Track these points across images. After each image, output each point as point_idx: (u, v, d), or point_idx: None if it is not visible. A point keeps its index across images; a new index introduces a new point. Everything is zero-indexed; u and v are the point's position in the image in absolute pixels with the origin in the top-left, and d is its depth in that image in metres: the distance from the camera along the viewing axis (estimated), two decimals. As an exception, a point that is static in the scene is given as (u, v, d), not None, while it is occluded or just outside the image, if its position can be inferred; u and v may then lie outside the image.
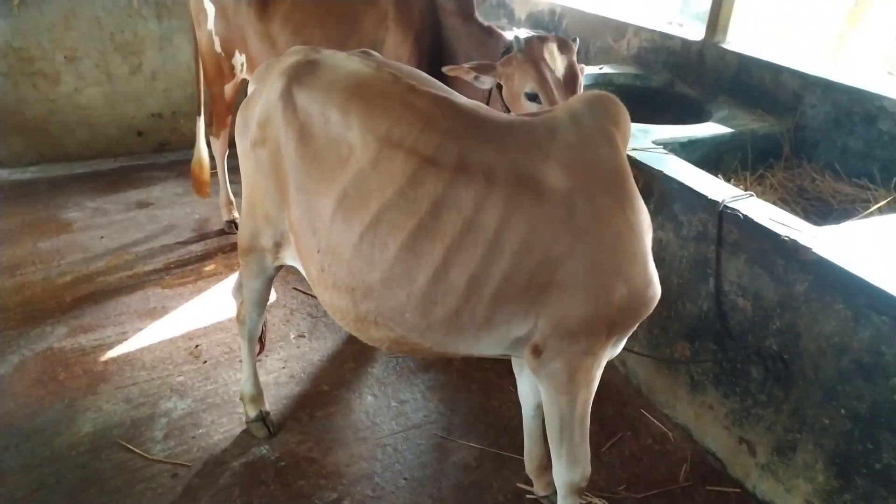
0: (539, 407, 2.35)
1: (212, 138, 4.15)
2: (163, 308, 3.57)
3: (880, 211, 2.79)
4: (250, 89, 2.24)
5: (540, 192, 1.71)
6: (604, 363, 1.89)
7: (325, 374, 3.15)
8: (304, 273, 2.12)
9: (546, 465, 2.47)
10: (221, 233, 4.33)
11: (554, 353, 1.83)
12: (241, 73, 3.80)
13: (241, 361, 3.16)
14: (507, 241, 1.70)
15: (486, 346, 1.91)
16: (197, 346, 3.29)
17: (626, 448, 2.78)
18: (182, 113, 5.34)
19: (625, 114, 1.83)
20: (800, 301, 2.25)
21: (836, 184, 3.15)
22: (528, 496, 2.52)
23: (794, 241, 2.25)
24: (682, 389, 2.83)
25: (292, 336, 3.39)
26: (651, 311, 1.84)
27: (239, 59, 3.76)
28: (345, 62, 2.00)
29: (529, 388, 2.34)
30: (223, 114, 4.05)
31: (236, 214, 4.35)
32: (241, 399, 2.78)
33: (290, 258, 2.20)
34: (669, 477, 2.64)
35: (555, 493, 2.46)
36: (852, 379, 2.11)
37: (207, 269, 3.94)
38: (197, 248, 4.17)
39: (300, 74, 1.96)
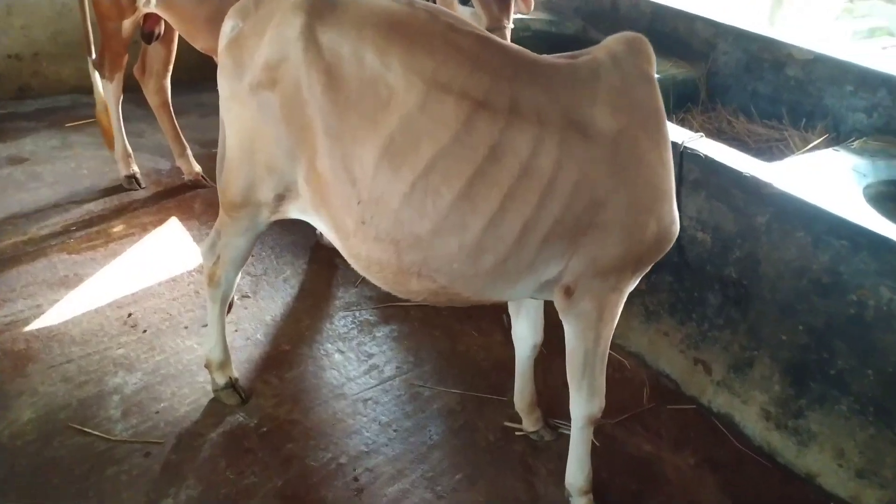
0: (536, 347, 2.43)
1: (103, 81, 3.70)
2: (76, 276, 3.19)
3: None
4: (228, 26, 2.02)
5: (589, 134, 1.73)
6: (625, 297, 1.98)
7: (282, 333, 3.00)
8: (322, 226, 2.01)
9: (535, 402, 2.57)
10: (119, 189, 3.91)
11: (584, 292, 1.89)
12: (146, 6, 3.39)
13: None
14: (561, 184, 1.72)
15: (519, 291, 1.93)
16: (130, 314, 2.99)
17: (590, 379, 2.95)
18: (45, 54, 4.68)
19: (653, 55, 1.89)
20: (760, 231, 2.48)
21: (749, 125, 3.46)
22: (516, 433, 2.62)
23: (754, 177, 2.46)
24: (635, 320, 3.03)
25: (236, 297, 3.18)
26: (671, 246, 1.96)
27: (144, -11, 3.34)
28: None
29: (528, 329, 2.39)
30: (119, 53, 3.60)
31: (135, 168, 3.95)
32: (208, 367, 2.59)
33: (296, 211, 2.06)
34: (634, 401, 2.85)
35: (543, 427, 2.60)
36: (809, 297, 2.38)
37: (116, 230, 3.56)
38: (95, 207, 3.74)
39: (321, 10, 1.81)
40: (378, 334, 3.06)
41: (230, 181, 2.10)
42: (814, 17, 5.92)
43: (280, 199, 2.04)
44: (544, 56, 1.85)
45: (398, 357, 2.94)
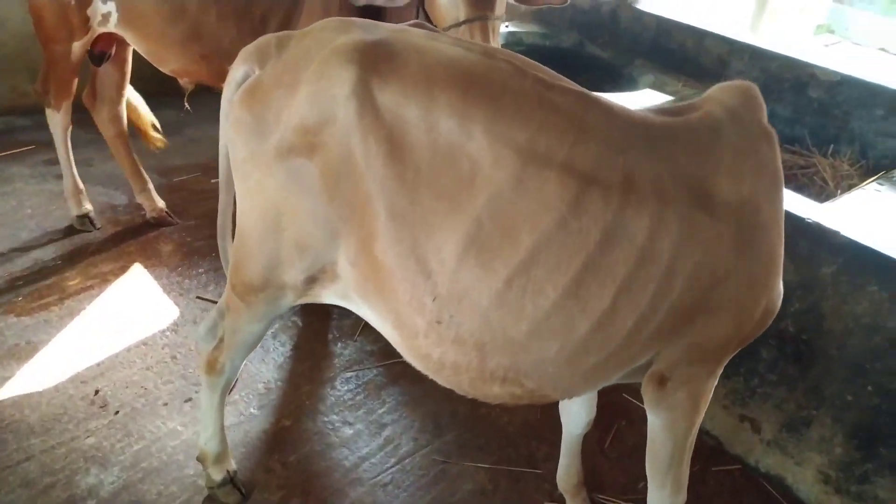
0: (589, 423, 2.14)
1: (48, 111, 3.22)
2: (28, 344, 2.72)
3: (849, 186, 2.93)
4: (239, 72, 1.66)
5: (712, 207, 1.44)
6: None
7: (280, 404, 2.62)
8: (372, 318, 1.67)
9: (582, 482, 2.28)
10: (71, 231, 3.43)
11: (681, 380, 1.62)
12: (102, 26, 2.93)
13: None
14: (680, 269, 1.43)
15: (609, 383, 1.65)
16: (97, 391, 2.55)
17: (626, 440, 2.68)
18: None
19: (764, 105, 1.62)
20: (826, 283, 2.25)
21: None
22: (560, 515, 2.33)
23: (818, 224, 2.23)
24: (669, 371, 2.78)
25: (221, 361, 2.78)
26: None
27: (101, 7, 2.88)
28: (431, 44, 1.52)
29: (582, 404, 2.10)
30: (67, 79, 3.12)
31: (88, 206, 3.47)
32: (202, 461, 2.19)
33: (332, 296, 1.71)
34: (677, 464, 2.60)
35: (589, 508, 2.32)
36: (883, 356, 2.17)
37: (71, 283, 3.09)
38: (44, 254, 3.26)
39: (377, 61, 1.46)
40: (388, 399, 2.71)
41: (246, 260, 1.73)
42: (795, 23, 5.82)
43: (311, 281, 1.68)
44: (655, 115, 1.55)
45: (415, 426, 2.60)
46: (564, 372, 1.51)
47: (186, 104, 3.50)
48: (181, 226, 3.58)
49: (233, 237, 1.88)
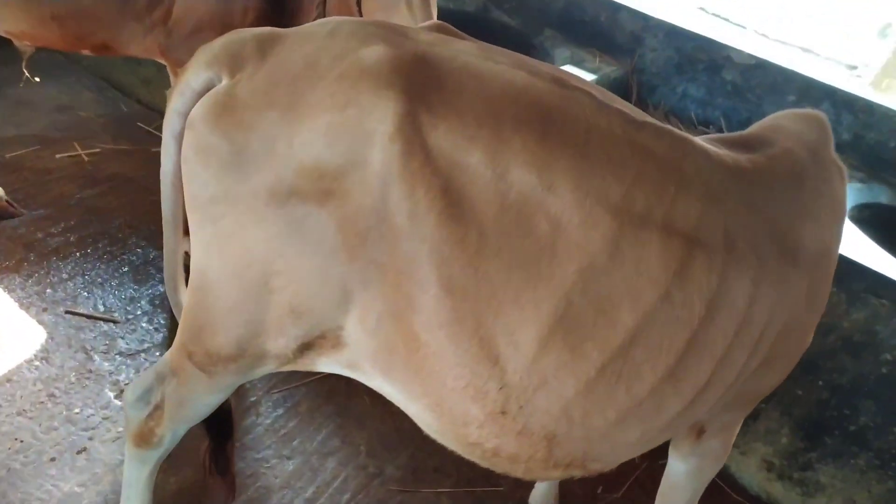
0: None
1: None
2: None
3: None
4: (199, 79, 1.27)
5: (798, 259, 1.30)
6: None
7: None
8: (394, 395, 1.36)
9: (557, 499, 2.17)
10: None
11: (718, 429, 1.52)
12: None
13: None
14: (770, 332, 1.28)
15: None
16: (-46, 452, 1.99)
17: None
18: None
19: None
20: (783, 283, 2.27)
21: (686, 130, 3.25)
22: (532, 536, 2.20)
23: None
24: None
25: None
26: None
27: None
28: (486, 66, 1.21)
29: None
30: None
31: None
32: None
33: (332, 364, 1.37)
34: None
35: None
36: (837, 355, 2.24)
37: None
38: None
39: (425, 90, 1.14)
40: (325, 422, 2.39)
41: (212, 326, 1.33)
42: None
43: (306, 348, 1.33)
44: (741, 155, 1.34)
45: (361, 452, 2.33)
46: (636, 450, 1.34)
47: (26, 72, 2.81)
48: (27, 218, 2.90)
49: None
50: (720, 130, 3.29)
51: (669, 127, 1.30)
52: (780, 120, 1.52)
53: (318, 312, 1.27)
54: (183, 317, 1.41)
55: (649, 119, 1.29)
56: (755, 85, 3.16)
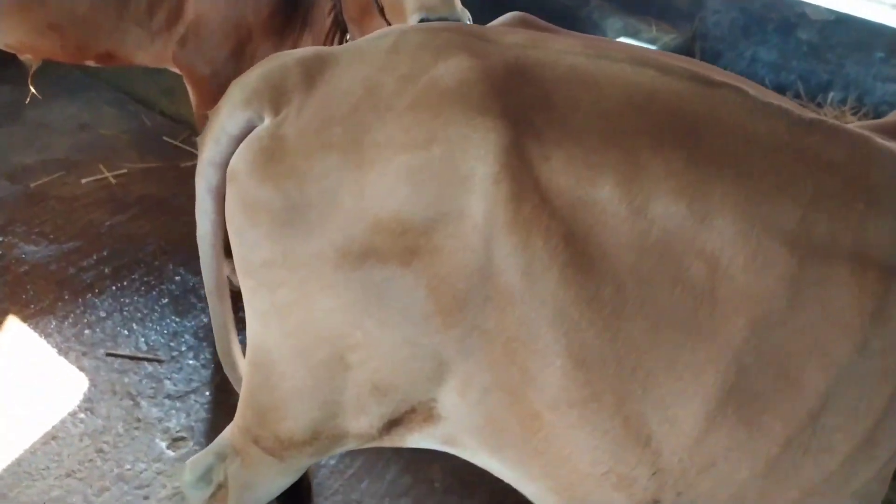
0: None
1: None
2: None
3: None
4: (235, 119, 1.07)
5: None
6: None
7: None
8: (506, 474, 1.16)
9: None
10: None
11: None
12: None
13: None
14: None
15: None
16: (2, 527, 1.83)
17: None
18: None
19: None
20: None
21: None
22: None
23: None
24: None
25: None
26: None
27: None
28: (597, 65, 0.98)
29: None
30: None
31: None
32: None
33: (427, 440, 1.17)
34: None
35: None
36: None
37: (-82, 360, 2.23)
38: None
39: (529, 111, 0.92)
40: (391, 464, 2.19)
41: (279, 409, 1.13)
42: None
43: (393, 425, 1.12)
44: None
45: (436, 491, 2.12)
46: None
47: (31, 87, 2.63)
48: (57, 252, 2.72)
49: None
50: (797, 96, 2.97)
51: (842, 124, 1.04)
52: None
53: (407, 387, 1.06)
54: (243, 396, 1.21)
55: (814, 115, 1.03)
56: (835, 43, 2.83)
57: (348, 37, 2.09)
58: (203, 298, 2.34)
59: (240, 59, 2.20)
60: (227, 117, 1.06)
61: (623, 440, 0.98)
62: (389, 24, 1.78)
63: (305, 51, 1.11)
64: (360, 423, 1.11)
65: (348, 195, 0.97)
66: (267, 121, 1.04)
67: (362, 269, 0.98)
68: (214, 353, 2.38)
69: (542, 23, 1.19)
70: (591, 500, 1.06)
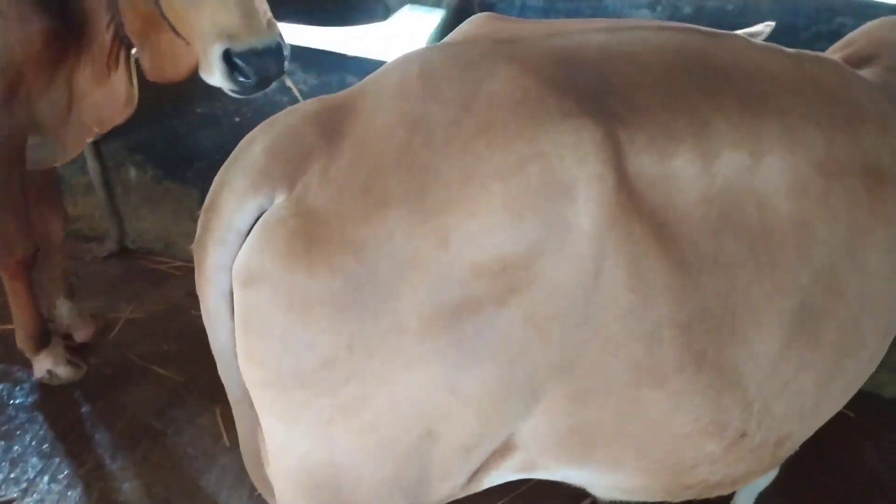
0: None
1: None
2: None
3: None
4: (242, 213, 0.95)
5: None
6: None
7: None
8: (575, 479, 1.22)
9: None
10: None
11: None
12: None
13: None
14: None
15: None
16: None
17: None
18: None
19: None
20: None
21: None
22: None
23: None
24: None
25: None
26: None
27: None
28: (607, 37, 1.03)
29: None
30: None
31: None
32: None
33: (504, 475, 1.15)
34: None
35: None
36: None
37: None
38: None
39: (601, 98, 0.93)
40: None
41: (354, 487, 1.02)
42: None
43: (474, 475, 1.10)
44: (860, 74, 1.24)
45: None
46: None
47: None
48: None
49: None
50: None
51: (818, 53, 1.17)
52: (871, 29, 1.38)
53: (496, 433, 1.03)
54: None
55: (787, 48, 1.16)
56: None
57: (134, 52, 1.88)
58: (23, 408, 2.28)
59: (11, 106, 1.81)
60: (235, 212, 0.93)
61: (721, 388, 1.03)
62: (181, 37, 1.65)
63: (309, 105, 0.99)
64: (443, 490, 1.06)
65: (426, 250, 0.87)
66: (280, 200, 0.91)
67: (455, 327, 0.89)
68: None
69: (512, 18, 1.22)
70: (683, 461, 1.10)
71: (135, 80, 2.05)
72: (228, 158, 0.98)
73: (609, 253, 0.92)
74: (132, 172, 2.97)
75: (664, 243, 0.94)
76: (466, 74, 0.93)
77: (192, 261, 3.11)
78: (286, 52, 1.62)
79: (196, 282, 0.99)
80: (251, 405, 1.07)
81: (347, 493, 1.00)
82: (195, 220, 2.99)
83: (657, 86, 0.98)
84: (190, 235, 3.23)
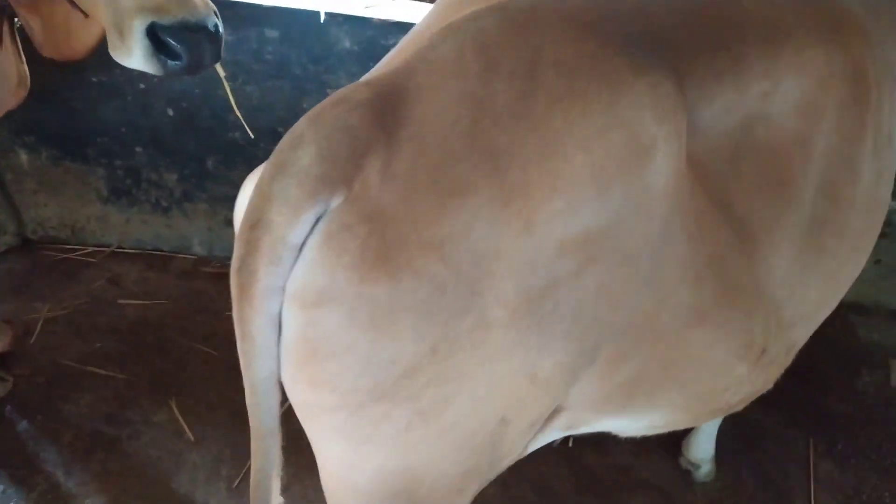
0: None
1: None
2: None
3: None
4: (290, 226, 0.81)
5: None
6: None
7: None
8: (614, 427, 1.26)
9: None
10: None
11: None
12: None
13: None
14: None
15: None
16: None
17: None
18: None
19: None
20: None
21: None
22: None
23: None
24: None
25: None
26: None
27: None
28: None
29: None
30: None
31: None
32: None
33: (549, 436, 1.16)
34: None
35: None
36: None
37: None
38: None
39: (653, 49, 0.92)
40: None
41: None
42: None
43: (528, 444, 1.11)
44: None
45: None
46: None
47: None
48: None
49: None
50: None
51: None
52: None
53: (555, 402, 1.02)
54: None
55: None
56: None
57: (18, 23, 1.67)
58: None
59: None
60: (291, 226, 0.80)
61: (750, 311, 1.06)
62: (80, 9, 1.43)
63: (359, 92, 0.85)
64: (506, 463, 1.06)
65: (510, 237, 0.81)
66: (337, 203, 0.80)
67: (536, 312, 0.85)
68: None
69: None
70: (716, 388, 1.14)
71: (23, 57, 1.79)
72: (267, 167, 0.83)
73: (678, 209, 0.92)
74: (23, 156, 2.64)
75: (704, 184, 0.96)
76: (523, 42, 0.87)
77: (106, 245, 2.90)
78: (221, 35, 1.37)
79: (236, 309, 0.85)
80: (276, 442, 1.00)
81: (424, 496, 0.98)
82: (105, 201, 2.79)
83: (692, 26, 0.98)
84: (101, 218, 2.98)
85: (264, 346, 0.88)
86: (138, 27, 1.28)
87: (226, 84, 1.85)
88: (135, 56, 1.33)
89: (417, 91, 0.85)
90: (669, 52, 0.94)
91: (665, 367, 1.05)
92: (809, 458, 2.35)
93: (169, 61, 1.31)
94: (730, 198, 1.01)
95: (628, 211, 0.87)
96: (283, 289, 0.84)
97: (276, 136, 2.53)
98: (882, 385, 2.70)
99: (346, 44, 2.41)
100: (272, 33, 2.31)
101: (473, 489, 1.06)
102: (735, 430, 2.29)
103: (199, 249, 2.84)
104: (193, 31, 1.28)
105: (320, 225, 0.81)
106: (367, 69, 2.39)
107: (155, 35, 1.28)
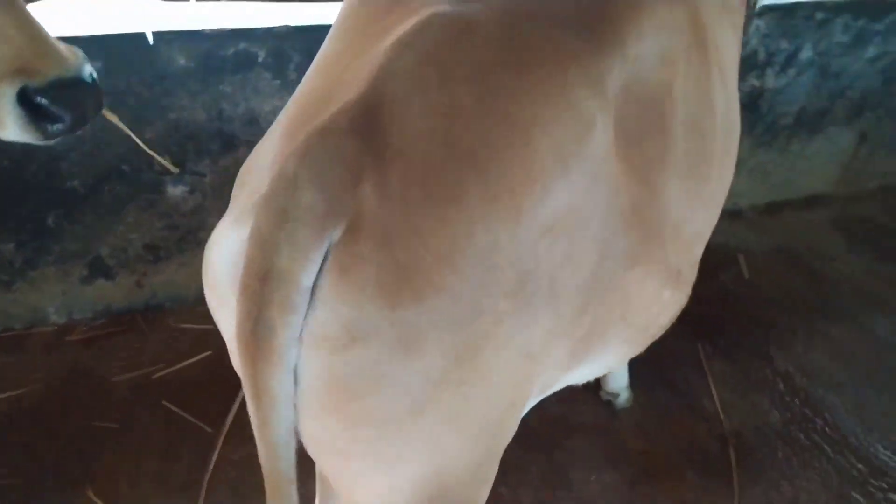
0: None
1: None
2: None
3: None
4: (302, 269, 0.79)
5: None
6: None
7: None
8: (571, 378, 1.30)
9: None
10: None
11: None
12: None
13: None
14: None
15: None
16: None
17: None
18: None
19: None
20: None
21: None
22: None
23: None
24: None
25: None
26: None
27: None
28: None
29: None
30: None
31: None
32: None
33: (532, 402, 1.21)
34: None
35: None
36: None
37: None
38: None
39: (573, 22, 1.02)
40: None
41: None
42: None
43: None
44: None
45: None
46: None
47: None
48: None
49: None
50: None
51: None
52: None
53: (543, 373, 1.08)
54: None
55: None
56: None
57: None
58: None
59: None
60: (303, 271, 0.78)
61: (663, 241, 1.18)
62: None
63: (341, 119, 0.83)
64: (512, 435, 1.11)
65: (504, 230, 0.85)
66: (338, 235, 0.79)
67: (522, 294, 0.90)
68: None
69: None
70: (650, 315, 1.25)
71: None
72: (263, 216, 0.79)
73: (610, 170, 1.00)
74: None
75: (615, 144, 1.04)
76: (467, 44, 0.91)
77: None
78: (97, 81, 1.23)
79: (249, 371, 0.79)
80: (294, 483, 0.95)
81: (457, 492, 1.01)
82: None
83: (586, 4, 1.05)
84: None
85: (285, 402, 0.85)
86: (7, 94, 1.11)
87: (118, 122, 1.63)
88: (8, 128, 1.14)
89: (389, 109, 0.85)
90: (586, 31, 1.01)
91: (611, 310, 1.15)
92: (701, 360, 2.61)
93: (49, 126, 1.16)
94: (627, 151, 1.11)
95: (583, 182, 0.95)
96: (301, 338, 0.80)
97: (122, 177, 2.34)
98: (738, 279, 3.06)
99: (182, 61, 2.25)
100: (94, 65, 2.09)
101: (494, 473, 1.12)
102: (638, 355, 2.50)
103: (56, 318, 2.53)
104: (70, 88, 1.15)
105: (329, 261, 0.79)
106: (209, 85, 2.29)
107: (28, 100, 1.12)
